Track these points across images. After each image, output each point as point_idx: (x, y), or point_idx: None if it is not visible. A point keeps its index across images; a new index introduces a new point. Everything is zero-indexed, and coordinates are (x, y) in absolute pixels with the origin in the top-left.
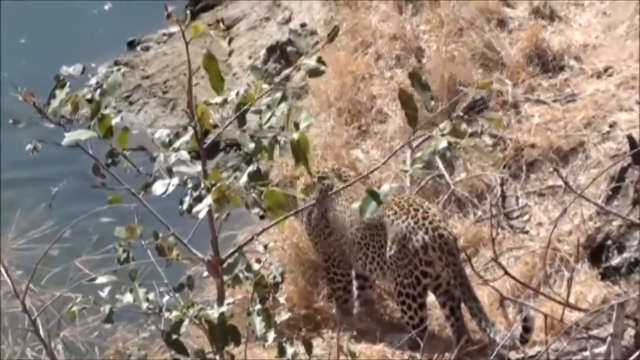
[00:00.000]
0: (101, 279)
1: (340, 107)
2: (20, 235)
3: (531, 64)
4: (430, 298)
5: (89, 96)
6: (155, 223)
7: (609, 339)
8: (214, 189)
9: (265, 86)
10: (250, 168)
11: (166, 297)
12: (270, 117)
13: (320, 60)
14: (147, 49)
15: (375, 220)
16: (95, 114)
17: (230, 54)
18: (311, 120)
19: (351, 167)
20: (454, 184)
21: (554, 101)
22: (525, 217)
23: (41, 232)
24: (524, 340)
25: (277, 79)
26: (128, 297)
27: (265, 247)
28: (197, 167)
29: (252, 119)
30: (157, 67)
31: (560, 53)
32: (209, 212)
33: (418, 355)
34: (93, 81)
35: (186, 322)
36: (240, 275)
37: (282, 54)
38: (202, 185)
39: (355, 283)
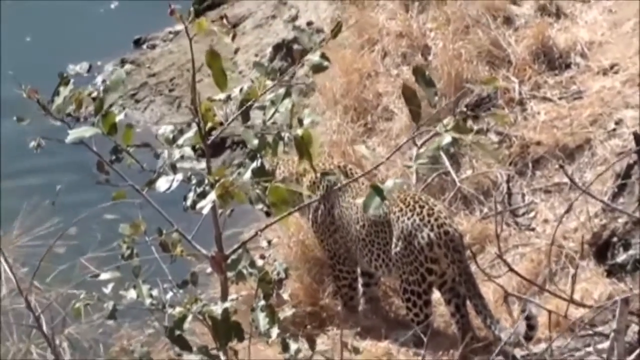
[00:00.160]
0: (104, 276)
1: (346, 105)
2: (25, 233)
3: (537, 62)
4: (436, 295)
5: (94, 94)
6: (159, 219)
7: (611, 334)
8: (217, 185)
9: (269, 82)
10: (254, 164)
11: (170, 294)
12: (274, 113)
13: (323, 56)
14: (153, 47)
15: (381, 217)
16: (99, 111)
17: (236, 52)
18: (315, 116)
19: (357, 165)
20: (460, 181)
21: (560, 98)
22: (531, 214)
23: (46, 229)
24: (528, 338)
25: (280, 76)
26: (132, 294)
27: (269, 243)
28: (201, 164)
29: (257, 116)
30: (164, 65)
31: (566, 50)
32: (213, 208)
33: (422, 351)
34: (99, 79)
35: (189, 318)
36: (244, 271)
37: (289, 52)
38: (206, 181)
39: (360, 280)
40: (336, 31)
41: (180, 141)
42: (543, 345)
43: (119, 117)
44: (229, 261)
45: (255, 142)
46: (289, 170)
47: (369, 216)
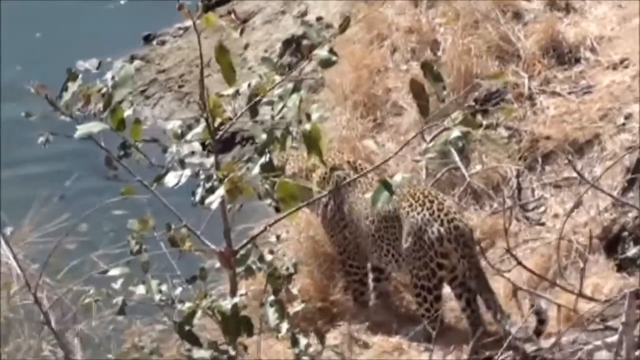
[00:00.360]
0: (114, 272)
1: (355, 100)
2: (36, 229)
3: (547, 56)
4: (446, 290)
5: (103, 90)
6: (168, 215)
7: (620, 327)
8: (226, 180)
9: (278, 77)
10: (263, 159)
11: (179, 289)
12: (282, 108)
13: (332, 51)
14: (163, 43)
15: (391, 213)
16: (108, 107)
17: (245, 47)
18: (323, 112)
19: (367, 160)
20: (470, 176)
21: (570, 93)
22: (541, 209)
23: (56, 225)
24: (538, 332)
25: (288, 71)
26: (141, 289)
27: (278, 238)
28: (210, 159)
29: (266, 112)
30: (173, 61)
31: (576, 45)
32: (222, 204)
33: (433, 346)
34: (109, 75)
35: (199, 313)
36: (253, 266)
37: (298, 47)
38: (215, 176)
39: (371, 275)
40: (344, 26)
41: (188, 136)
42: (554, 340)
43: (127, 113)
44: (238, 256)
45: (264, 137)
46: (299, 166)
47: (378, 211)
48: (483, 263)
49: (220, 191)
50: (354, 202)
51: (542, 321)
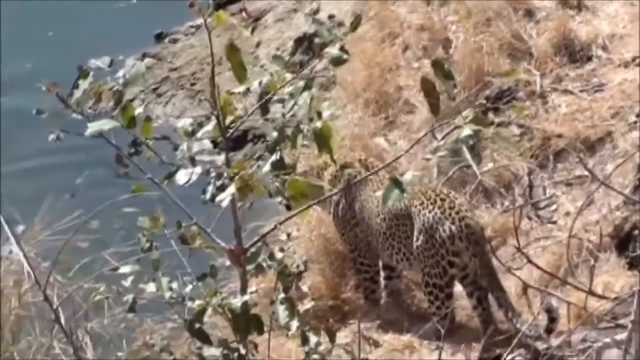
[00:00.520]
0: (124, 269)
1: (367, 98)
2: (47, 227)
3: (558, 54)
4: (458, 288)
5: (114, 88)
6: (178, 212)
7: (629, 325)
8: (236, 178)
9: (288, 75)
10: (274, 157)
11: (189, 287)
12: (293, 106)
13: (343, 49)
14: (174, 41)
15: (402, 211)
16: (118, 104)
17: (258, 45)
18: (334, 109)
19: (379, 158)
20: (481, 174)
21: (581, 91)
22: (553, 207)
23: (68, 223)
24: (549, 330)
25: (299, 69)
26: (151, 287)
27: (288, 236)
28: (221, 157)
29: (278, 110)
30: (185, 59)
31: (588, 43)
32: (232, 201)
33: (445, 345)
34: (121, 74)
35: (209, 311)
36: (264, 264)
37: (310, 45)
38: (225, 174)
39: (382, 273)
40: (355, 24)
41: (199, 134)
42: (563, 338)
43: (138, 111)
44: (248, 254)
45: (275, 134)
46: (310, 165)
47: (390, 209)
48: (494, 261)
49: (231, 189)
50: (365, 200)
51: (553, 319)
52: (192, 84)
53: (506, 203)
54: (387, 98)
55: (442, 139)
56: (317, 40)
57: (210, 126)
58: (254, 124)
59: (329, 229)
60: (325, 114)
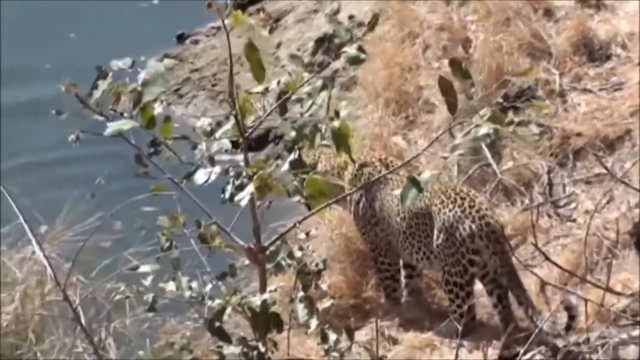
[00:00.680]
0: (144, 268)
1: (387, 98)
2: (69, 227)
3: (578, 53)
4: (478, 286)
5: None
6: (198, 212)
7: None
8: (255, 177)
9: (306, 75)
10: (292, 156)
11: (209, 286)
12: (311, 105)
13: (360, 49)
14: (196, 42)
15: (422, 210)
16: (137, 105)
17: (278, 46)
18: (352, 109)
19: (399, 157)
20: (501, 172)
21: (601, 90)
22: (572, 205)
23: (90, 224)
24: (569, 327)
25: (317, 69)
26: (171, 286)
27: (307, 234)
28: (239, 156)
29: (298, 110)
30: (206, 60)
31: (607, 42)
32: (251, 200)
33: (465, 343)
34: (142, 74)
35: (229, 310)
36: (283, 263)
37: (330, 45)
38: (244, 173)
39: (403, 272)
40: (373, 24)
41: (218, 134)
42: (584, 335)
43: (157, 111)
44: (267, 253)
45: (293, 134)
46: (331, 164)
47: (410, 208)
48: (514, 259)
49: (250, 188)
50: (385, 200)
51: (572, 317)
52: (214, 85)
53: (526, 201)
54: (407, 98)
55: (464, 136)
56: (337, 40)
57: (228, 126)
58: (276, 124)
59: (350, 228)
60: (343, 113)
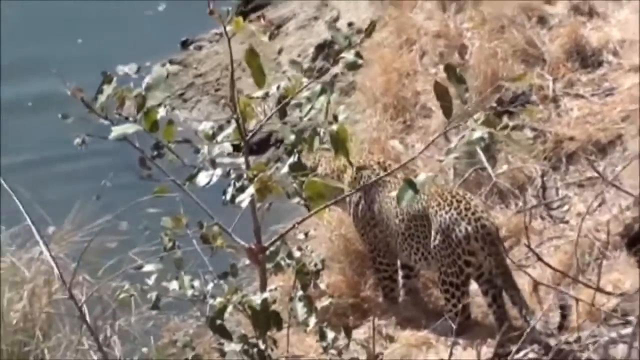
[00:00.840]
0: (148, 267)
1: (385, 103)
2: (77, 228)
3: (570, 60)
4: (473, 286)
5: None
6: (200, 213)
7: (634, 320)
8: (256, 179)
9: (306, 80)
10: (292, 159)
11: (211, 285)
12: (310, 109)
13: (358, 55)
14: (199, 48)
15: (420, 212)
16: (141, 109)
17: (280, 52)
18: (350, 113)
19: (396, 160)
20: (496, 176)
21: (593, 95)
22: (565, 208)
23: (97, 226)
24: (562, 327)
25: (317, 74)
26: (174, 285)
27: (306, 235)
28: (240, 159)
29: (298, 114)
30: (210, 65)
31: (599, 49)
32: (252, 202)
33: (460, 341)
34: (147, 79)
35: (230, 308)
36: (282, 263)
37: (330, 51)
38: (245, 176)
39: (400, 272)
40: (370, 31)
41: (219, 137)
42: (575, 334)
43: (161, 114)
44: (267, 253)
45: (292, 137)
46: (331, 167)
47: (408, 211)
48: (508, 260)
49: (250, 190)
50: (384, 202)
51: (564, 316)
52: (217, 90)
53: (520, 204)
54: (404, 103)
55: (460, 140)
56: (337, 46)
57: (230, 129)
58: (277, 128)
59: (349, 230)
60: (342, 118)
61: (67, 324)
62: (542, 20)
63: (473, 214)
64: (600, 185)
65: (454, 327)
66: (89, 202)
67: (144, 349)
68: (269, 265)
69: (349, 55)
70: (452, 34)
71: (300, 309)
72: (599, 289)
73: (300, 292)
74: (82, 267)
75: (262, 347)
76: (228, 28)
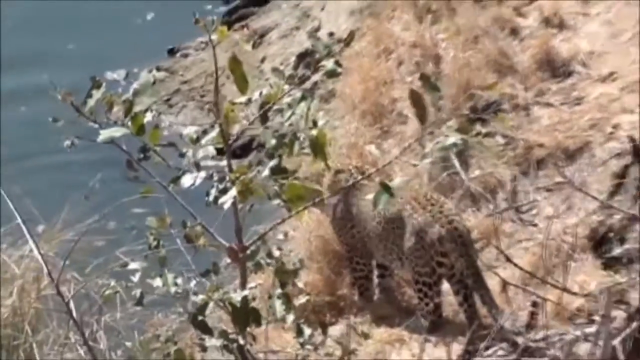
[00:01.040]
0: (133, 265)
1: (364, 110)
2: (66, 227)
3: (541, 70)
4: (445, 286)
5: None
6: (184, 213)
7: (598, 319)
8: (238, 181)
9: (287, 87)
10: (273, 162)
11: (193, 282)
12: (291, 115)
13: (337, 63)
14: (186, 56)
15: (395, 214)
16: (129, 113)
17: (263, 60)
18: (328, 119)
19: (374, 165)
20: (469, 180)
21: (562, 104)
22: (534, 211)
23: (87, 225)
24: (529, 325)
25: (297, 81)
26: (158, 282)
27: (285, 235)
28: (223, 162)
29: (279, 120)
30: (195, 72)
31: (568, 59)
32: (234, 203)
33: (432, 338)
34: (135, 85)
35: (211, 305)
36: (262, 262)
37: (310, 60)
38: (227, 178)
39: (376, 272)
40: (349, 40)
41: (203, 141)
42: (542, 332)
43: (147, 119)
44: (248, 252)
45: (274, 141)
46: (311, 171)
47: (384, 213)
48: (479, 261)
49: (233, 192)
50: (361, 204)
51: (533, 315)
52: (202, 96)
53: (491, 207)
54: (382, 109)
55: (434, 146)
56: (318, 55)
57: (214, 134)
58: (259, 132)
59: (327, 231)
60: (321, 123)
61: (55, 319)
62: (514, 32)
63: (446, 216)
64: (568, 190)
65: (427, 324)
66: (79, 203)
67: (129, 344)
68: (249, 264)
69: (328, 64)
70: (428, 44)
71: (279, 306)
72: (565, 290)
73: (279, 290)
74: (70, 265)
75: (242, 342)
76: (213, 37)
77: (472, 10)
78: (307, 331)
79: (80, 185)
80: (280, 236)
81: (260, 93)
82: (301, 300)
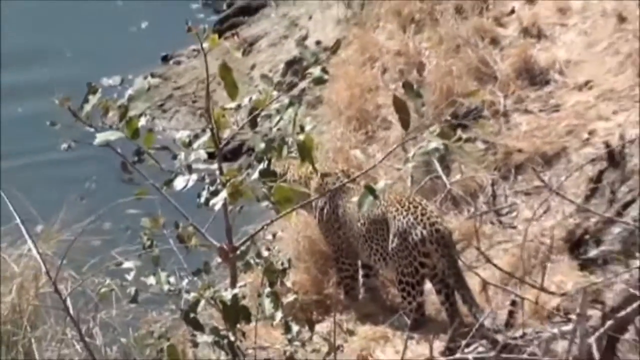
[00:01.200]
0: (127, 264)
1: (349, 116)
2: (64, 227)
3: (520, 78)
4: (428, 286)
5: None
6: (176, 214)
7: (574, 318)
8: (228, 184)
9: (275, 93)
10: (261, 166)
11: (185, 281)
12: (279, 120)
13: (324, 70)
14: (178, 63)
15: (379, 216)
16: (124, 117)
17: (252, 67)
18: (315, 124)
19: (359, 169)
20: (450, 184)
21: (540, 111)
22: (513, 214)
23: (84, 225)
24: (508, 323)
25: (285, 88)
26: (151, 281)
27: (274, 236)
28: (214, 165)
29: (268, 125)
30: (188, 79)
31: (546, 68)
32: (224, 205)
33: (415, 335)
34: (129, 91)
35: (202, 302)
36: (252, 261)
37: (298, 67)
38: (218, 181)
39: (361, 272)
40: (335, 49)
41: (195, 145)
42: (520, 330)
43: (141, 123)
44: (238, 252)
45: (262, 146)
46: (299, 174)
47: (369, 215)
48: (460, 262)
49: (223, 194)
50: (346, 206)
51: (512, 313)
52: (194, 101)
53: (472, 210)
54: (367, 115)
55: (416, 150)
56: (306, 63)
57: (205, 138)
58: (248, 137)
59: (314, 232)
60: (308, 128)
61: (53, 316)
62: (494, 41)
63: (428, 219)
64: (546, 194)
65: (409, 322)
66: (76, 204)
67: (124, 340)
68: (239, 264)
69: (315, 71)
70: (411, 53)
71: (268, 304)
72: (543, 289)
73: (268, 289)
74: (68, 264)
75: (232, 338)
76: (205, 45)
77: (454, 21)
78: (295, 328)
79: (77, 184)
80: (269, 237)
81: (250, 99)
82: (289, 298)
